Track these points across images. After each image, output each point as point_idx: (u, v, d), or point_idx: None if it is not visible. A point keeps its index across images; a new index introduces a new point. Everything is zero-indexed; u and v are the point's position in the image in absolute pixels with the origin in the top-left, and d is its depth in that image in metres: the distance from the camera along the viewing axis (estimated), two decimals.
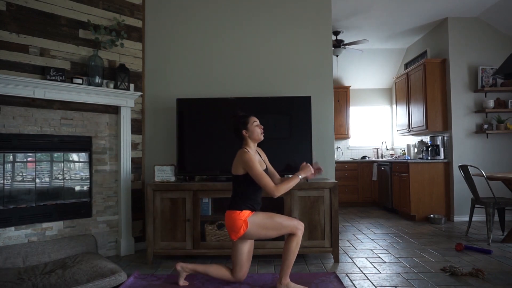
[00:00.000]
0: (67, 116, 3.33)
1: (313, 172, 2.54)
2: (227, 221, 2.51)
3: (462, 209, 5.19)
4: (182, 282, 2.66)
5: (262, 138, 2.62)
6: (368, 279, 2.86)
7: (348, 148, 7.48)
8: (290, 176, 2.56)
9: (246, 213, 2.48)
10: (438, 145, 5.41)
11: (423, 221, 5.23)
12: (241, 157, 2.48)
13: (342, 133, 7.16)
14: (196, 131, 3.61)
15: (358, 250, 3.70)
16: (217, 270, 2.61)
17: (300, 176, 2.49)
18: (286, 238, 2.54)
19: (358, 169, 6.81)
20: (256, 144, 2.67)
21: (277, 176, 2.78)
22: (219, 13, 4.03)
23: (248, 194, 2.53)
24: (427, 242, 4.00)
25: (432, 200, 5.33)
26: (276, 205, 3.44)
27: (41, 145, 3.19)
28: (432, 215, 5.19)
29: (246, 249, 2.59)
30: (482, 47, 5.34)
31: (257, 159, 2.60)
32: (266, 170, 2.66)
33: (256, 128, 2.59)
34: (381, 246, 3.86)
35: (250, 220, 2.46)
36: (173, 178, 3.47)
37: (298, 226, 2.49)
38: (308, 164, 2.56)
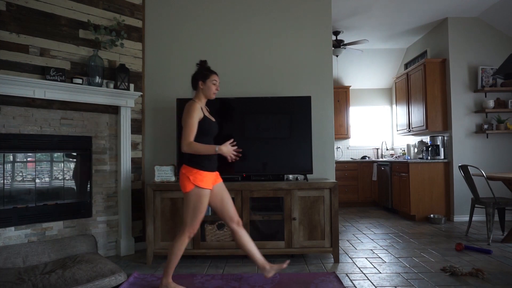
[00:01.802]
0: (67, 116, 3.33)
1: (232, 157, 2.54)
2: (181, 174, 2.51)
3: (462, 209, 5.20)
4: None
5: (213, 97, 2.62)
6: (368, 279, 2.86)
7: (348, 148, 7.48)
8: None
9: (200, 177, 2.46)
10: (438, 145, 5.41)
11: (423, 221, 5.23)
12: (187, 106, 2.50)
13: (342, 133, 7.16)
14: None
15: (358, 250, 3.70)
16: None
17: (216, 149, 2.46)
18: (176, 236, 2.53)
19: (358, 169, 6.81)
20: (205, 101, 2.66)
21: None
22: (219, 13, 4.03)
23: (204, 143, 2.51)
24: (427, 242, 4.00)
25: (432, 200, 5.33)
26: (276, 205, 3.45)
27: (41, 145, 3.19)
28: (432, 215, 5.19)
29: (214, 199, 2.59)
30: (482, 47, 5.34)
31: (207, 112, 2.63)
32: (216, 124, 2.65)
33: (212, 86, 2.59)
34: (381, 246, 3.86)
35: (196, 190, 2.44)
36: (173, 178, 3.47)
37: (192, 231, 2.49)
38: (235, 148, 2.53)
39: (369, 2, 4.85)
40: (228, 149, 2.50)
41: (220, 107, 3.64)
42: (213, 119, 2.65)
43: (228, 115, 3.64)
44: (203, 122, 2.50)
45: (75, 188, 3.41)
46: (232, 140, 2.56)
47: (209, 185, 2.51)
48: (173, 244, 2.51)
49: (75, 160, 3.43)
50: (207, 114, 2.61)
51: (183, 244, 2.51)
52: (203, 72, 2.60)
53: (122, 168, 3.58)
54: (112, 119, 3.61)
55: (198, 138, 2.49)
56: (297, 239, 3.29)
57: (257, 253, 2.61)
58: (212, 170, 2.55)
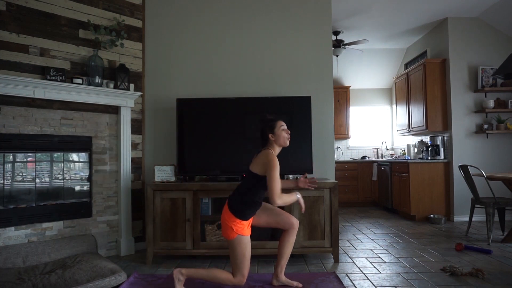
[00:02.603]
0: (67, 116, 3.33)
1: (309, 187, 2.72)
2: (223, 220, 2.49)
3: (462, 209, 5.20)
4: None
5: (287, 143, 2.57)
6: (368, 279, 2.86)
7: (348, 148, 7.48)
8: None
9: (243, 226, 2.47)
10: (438, 145, 5.41)
11: (423, 221, 5.23)
12: (267, 156, 2.44)
13: (342, 133, 7.16)
14: (196, 131, 3.61)
15: (358, 250, 3.70)
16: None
17: (297, 196, 2.58)
18: (225, 273, 2.51)
19: (358, 169, 6.81)
20: (280, 149, 2.62)
21: None
22: (219, 13, 4.03)
23: (257, 195, 2.50)
24: (427, 242, 4.00)
25: (432, 200, 5.33)
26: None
27: (41, 145, 3.19)
28: (432, 215, 5.19)
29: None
30: (482, 47, 5.34)
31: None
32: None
33: (282, 133, 2.55)
34: (381, 246, 3.86)
35: (239, 237, 2.45)
36: (173, 178, 3.47)
37: (240, 276, 2.48)
38: (312, 179, 2.71)
39: (369, 2, 4.85)
40: (303, 185, 2.73)
41: (220, 107, 3.64)
42: None
43: (228, 115, 3.64)
44: None
45: (75, 188, 3.41)
46: (306, 175, 2.78)
47: (249, 232, 2.53)
48: (222, 279, 2.48)
49: (75, 160, 3.43)
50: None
51: (226, 282, 2.49)
52: (268, 124, 2.57)
53: (122, 168, 3.58)
54: (112, 119, 3.61)
55: (257, 188, 2.50)
56: (297, 239, 3.29)
57: (285, 260, 2.63)
58: (252, 217, 2.56)
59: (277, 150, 2.58)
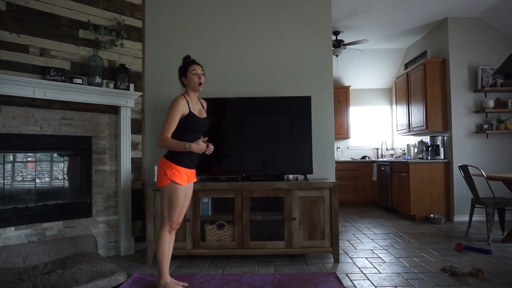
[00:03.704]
0: (67, 116, 3.33)
1: (205, 152, 2.55)
2: (158, 167, 2.52)
3: (462, 209, 5.19)
4: (180, 284, 2.64)
5: (199, 89, 2.57)
6: (368, 279, 2.86)
7: (348, 148, 7.48)
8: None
9: (177, 172, 2.45)
10: (438, 145, 5.41)
11: (423, 221, 5.23)
12: (172, 101, 2.48)
13: (342, 133, 7.16)
14: None
15: (358, 250, 3.70)
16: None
17: (187, 146, 2.43)
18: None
19: (358, 169, 6.81)
20: (197, 94, 2.63)
21: None
22: (219, 13, 4.03)
23: (183, 139, 2.50)
24: (427, 242, 4.00)
25: (432, 200, 5.33)
26: (276, 205, 3.45)
27: (41, 145, 3.19)
28: (432, 215, 5.19)
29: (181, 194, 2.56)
30: (482, 47, 5.34)
31: (197, 108, 2.60)
32: (205, 121, 2.63)
33: (194, 77, 2.53)
34: (381, 246, 3.86)
35: (172, 184, 2.45)
36: None
37: (171, 225, 2.50)
38: (205, 144, 2.51)
39: (369, 2, 4.85)
40: (199, 146, 2.46)
41: (220, 107, 3.64)
42: (202, 116, 2.60)
43: (228, 115, 3.64)
44: (187, 118, 2.47)
45: (75, 188, 3.41)
46: (206, 139, 2.53)
47: (184, 182, 2.50)
48: (156, 242, 2.53)
49: (75, 160, 3.43)
50: (194, 110, 2.55)
51: (165, 239, 2.51)
52: (182, 67, 2.57)
53: (122, 168, 3.58)
54: (112, 119, 3.61)
55: (182, 134, 2.48)
56: (297, 239, 3.29)
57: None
58: (189, 167, 2.54)
59: (192, 96, 2.58)
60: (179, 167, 2.47)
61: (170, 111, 2.44)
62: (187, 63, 2.56)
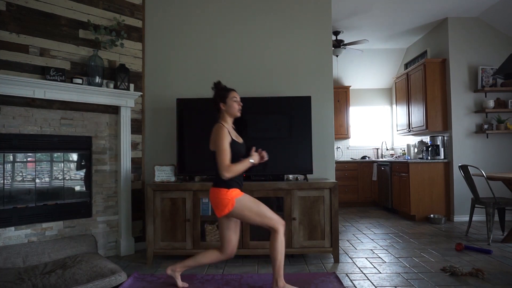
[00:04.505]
0: (67, 116, 3.33)
1: (262, 160, 2.55)
2: (212, 198, 2.47)
3: (462, 209, 5.19)
4: (180, 283, 2.65)
5: (238, 114, 2.59)
6: (368, 279, 2.86)
7: (348, 148, 7.48)
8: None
9: (234, 191, 2.44)
10: (438, 145, 5.41)
11: (423, 221, 5.23)
12: (215, 130, 2.48)
13: (342, 133, 7.16)
14: (196, 131, 3.61)
15: (358, 250, 3.70)
16: (206, 257, 2.57)
17: (251, 160, 2.45)
18: (270, 238, 2.50)
19: (358, 169, 6.81)
20: (233, 120, 2.63)
21: None
22: (219, 13, 4.03)
23: None
24: (427, 242, 4.00)
25: (432, 200, 5.33)
26: (276, 205, 3.45)
27: (41, 145, 3.19)
28: (432, 215, 5.19)
29: (232, 224, 2.55)
30: (482, 47, 5.34)
31: (233, 133, 2.59)
32: (243, 145, 2.62)
33: (234, 104, 2.55)
34: (381, 246, 3.86)
35: (238, 201, 2.43)
36: (173, 178, 3.47)
37: (279, 221, 2.47)
38: (260, 151, 2.55)
39: (369, 2, 4.85)
40: (257, 157, 2.51)
41: None
42: (240, 141, 2.60)
43: None
44: (232, 146, 2.46)
45: (75, 188, 3.41)
46: (254, 148, 2.55)
47: (242, 193, 2.50)
48: (278, 247, 2.44)
49: (75, 160, 3.43)
50: (234, 136, 2.56)
51: (282, 240, 2.46)
52: (220, 93, 2.57)
53: (122, 168, 3.58)
54: (112, 119, 3.61)
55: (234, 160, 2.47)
56: (297, 239, 3.29)
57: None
58: (238, 188, 2.52)
59: (229, 120, 2.59)
60: (231, 189, 2.45)
61: (220, 142, 2.41)
62: (226, 90, 2.58)
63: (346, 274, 2.98)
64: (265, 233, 3.35)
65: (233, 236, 2.57)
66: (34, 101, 3.12)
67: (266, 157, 2.57)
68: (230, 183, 2.45)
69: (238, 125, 3.60)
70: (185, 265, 2.63)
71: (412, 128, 5.94)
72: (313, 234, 3.30)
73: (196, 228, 3.30)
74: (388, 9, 5.07)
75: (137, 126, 3.83)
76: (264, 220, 2.45)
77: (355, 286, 2.72)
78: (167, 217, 3.31)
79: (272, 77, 3.98)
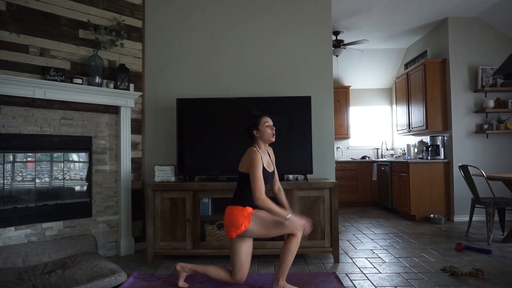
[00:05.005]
0: (67, 116, 3.33)
1: (305, 231, 2.45)
2: (228, 216, 2.46)
3: (462, 209, 5.19)
4: (181, 283, 2.65)
5: (273, 139, 2.57)
6: (368, 279, 2.86)
7: (348, 148, 7.48)
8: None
9: (249, 209, 2.46)
10: (438, 145, 5.41)
11: (423, 221, 5.23)
12: (249, 154, 2.47)
13: (342, 133, 7.16)
14: (196, 131, 3.61)
15: (358, 250, 3.70)
16: (217, 271, 2.58)
17: (287, 217, 2.39)
18: (285, 238, 2.51)
19: (358, 169, 6.81)
20: (267, 145, 2.63)
21: (278, 182, 2.76)
22: (219, 13, 4.03)
23: (250, 194, 2.48)
24: (427, 242, 4.00)
25: (432, 200, 5.33)
26: (276, 204, 3.44)
27: (41, 145, 3.19)
28: (432, 215, 5.19)
29: (244, 249, 2.53)
30: (482, 47, 5.34)
31: (266, 159, 2.57)
32: (273, 173, 2.64)
33: (267, 129, 2.54)
34: (381, 246, 3.86)
35: (253, 217, 2.44)
36: (173, 178, 3.47)
37: (298, 227, 2.43)
38: (306, 224, 2.44)
39: (369, 2, 4.85)
40: (299, 222, 2.40)
41: (220, 107, 3.64)
42: (271, 169, 2.58)
43: (228, 115, 3.64)
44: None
45: (75, 188, 3.41)
46: (304, 221, 2.44)
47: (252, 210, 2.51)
48: (288, 247, 2.42)
49: (75, 160, 3.43)
50: (265, 163, 2.53)
51: (298, 243, 2.44)
52: (252, 121, 2.56)
53: (122, 168, 3.58)
54: (112, 119, 3.61)
55: (249, 187, 2.45)
56: None
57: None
58: (253, 208, 2.54)
59: (263, 146, 2.58)
60: (247, 207, 2.47)
61: (254, 168, 2.40)
62: (258, 116, 2.56)
63: (346, 274, 2.98)
64: None
65: (244, 263, 2.53)
66: (34, 101, 3.12)
67: (308, 231, 2.47)
68: (245, 202, 2.47)
69: (238, 125, 3.61)
70: (195, 269, 2.62)
71: (412, 128, 5.94)
72: (313, 234, 3.30)
73: (196, 228, 3.30)
74: (388, 9, 5.07)
75: (137, 126, 3.83)
76: (283, 230, 2.42)
77: (355, 286, 2.72)
78: (167, 217, 3.31)
79: (272, 77, 3.98)
